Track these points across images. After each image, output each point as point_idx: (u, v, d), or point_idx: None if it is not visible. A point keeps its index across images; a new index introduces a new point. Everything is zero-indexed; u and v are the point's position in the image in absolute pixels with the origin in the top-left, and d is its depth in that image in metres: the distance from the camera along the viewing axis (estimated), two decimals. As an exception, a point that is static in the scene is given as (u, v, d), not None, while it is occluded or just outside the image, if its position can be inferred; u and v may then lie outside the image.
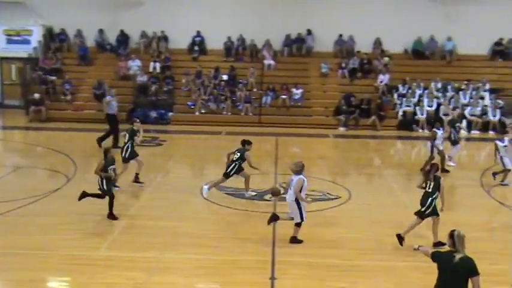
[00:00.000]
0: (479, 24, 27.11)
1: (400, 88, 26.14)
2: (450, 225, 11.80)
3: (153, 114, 25.00)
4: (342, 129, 24.39)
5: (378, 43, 28.31)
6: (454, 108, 22.85)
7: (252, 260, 10.02)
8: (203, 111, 25.21)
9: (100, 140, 19.14)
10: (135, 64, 27.03)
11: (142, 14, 28.18)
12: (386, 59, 27.37)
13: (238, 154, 13.52)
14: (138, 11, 28.25)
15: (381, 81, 26.32)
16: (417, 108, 24.91)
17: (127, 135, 14.59)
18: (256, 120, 25.05)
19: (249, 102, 25.38)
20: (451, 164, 17.09)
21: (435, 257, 6.88)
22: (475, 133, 24.10)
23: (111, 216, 11.84)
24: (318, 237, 11.13)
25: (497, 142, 14.57)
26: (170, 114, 25.22)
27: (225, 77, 26.47)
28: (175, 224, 11.79)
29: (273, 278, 9.25)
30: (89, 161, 18.36)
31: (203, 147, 21.64)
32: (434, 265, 9.85)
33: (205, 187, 13.77)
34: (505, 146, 14.29)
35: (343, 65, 27.40)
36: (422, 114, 24.65)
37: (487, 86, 25.98)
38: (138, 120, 15.38)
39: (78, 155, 18.15)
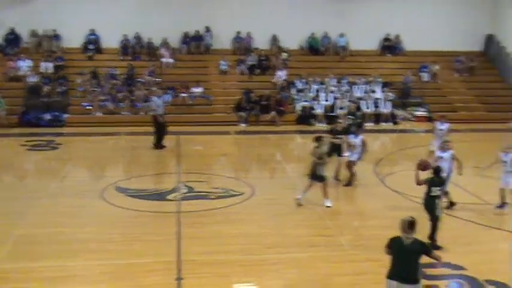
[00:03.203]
0: (368, 21, 28.52)
1: (298, 84, 26.79)
2: (350, 215, 12.32)
3: (47, 116, 23.94)
4: (242, 126, 24.60)
5: (274, 40, 28.83)
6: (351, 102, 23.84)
7: (158, 261, 9.90)
8: (100, 112, 24.50)
9: (157, 143, 19.40)
10: (25, 64, 25.78)
11: (31, 11, 26.81)
12: (285, 54, 27.96)
13: None
14: (26, 9, 26.89)
15: (279, 77, 26.82)
16: (314, 102, 25.65)
17: None
18: (156, 119, 24.67)
19: (148, 102, 24.93)
20: None
21: (389, 242, 7.37)
22: (369, 125, 25.07)
23: (434, 242, 10.29)
24: (222, 234, 11.22)
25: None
26: (65, 116, 24.26)
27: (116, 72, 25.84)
28: (76, 230, 11.39)
29: (179, 279, 9.22)
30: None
31: (101, 149, 21.02)
32: (337, 254, 10.31)
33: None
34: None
35: (242, 61, 27.66)
36: (319, 109, 25.44)
37: (379, 80, 27.20)
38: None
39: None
